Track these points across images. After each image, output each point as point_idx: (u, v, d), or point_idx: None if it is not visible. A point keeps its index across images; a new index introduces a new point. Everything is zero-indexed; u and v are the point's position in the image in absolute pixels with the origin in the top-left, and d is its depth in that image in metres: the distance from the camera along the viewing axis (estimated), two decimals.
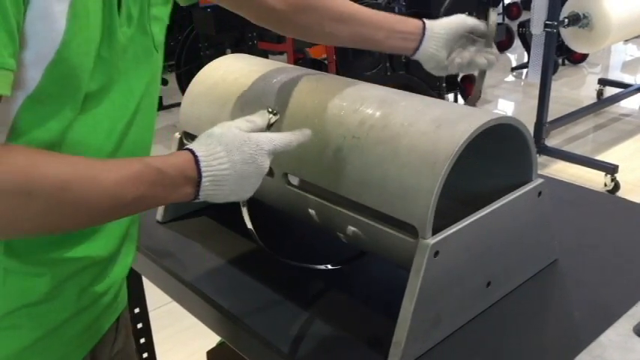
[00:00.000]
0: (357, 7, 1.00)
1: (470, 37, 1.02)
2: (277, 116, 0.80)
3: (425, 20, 1.01)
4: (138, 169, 0.67)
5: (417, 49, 1.00)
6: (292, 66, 1.09)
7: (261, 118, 0.79)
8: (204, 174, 0.71)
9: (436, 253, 0.77)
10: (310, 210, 0.94)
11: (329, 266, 0.98)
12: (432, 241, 0.76)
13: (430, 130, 0.80)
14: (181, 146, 1.14)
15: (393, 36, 0.99)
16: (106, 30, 0.69)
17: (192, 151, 0.72)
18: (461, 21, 1.00)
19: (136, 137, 0.78)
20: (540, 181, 0.92)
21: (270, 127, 0.79)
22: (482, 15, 1.03)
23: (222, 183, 0.72)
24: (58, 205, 0.61)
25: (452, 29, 0.99)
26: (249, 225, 0.87)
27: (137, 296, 1.28)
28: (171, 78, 4.43)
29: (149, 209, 0.70)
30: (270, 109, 0.80)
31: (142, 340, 1.33)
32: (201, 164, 0.71)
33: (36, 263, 0.72)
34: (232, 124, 0.76)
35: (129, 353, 0.96)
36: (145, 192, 0.67)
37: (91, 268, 0.78)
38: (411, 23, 1.00)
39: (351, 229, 0.88)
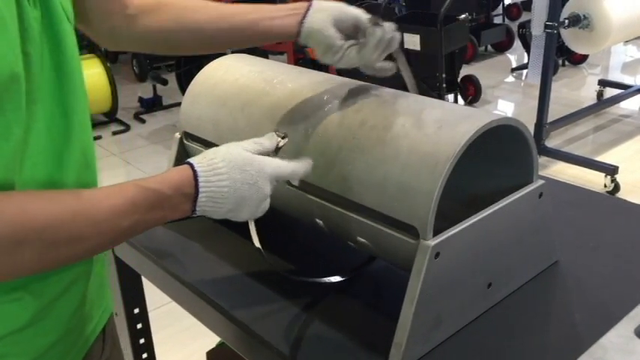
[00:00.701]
0: None
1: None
2: (286, 140, 0.79)
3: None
4: (132, 196, 0.65)
5: (301, 24, 0.87)
6: (292, 66, 1.08)
7: (270, 141, 0.78)
8: (201, 189, 0.70)
9: (437, 255, 0.77)
10: (310, 211, 0.94)
11: (332, 279, 0.96)
12: (433, 242, 0.76)
13: (431, 131, 0.80)
14: (181, 146, 1.14)
15: (274, 15, 0.88)
16: (21, 24, 0.61)
17: (192, 166, 0.70)
18: (345, 6, 0.90)
19: (83, 127, 0.73)
20: (541, 182, 0.91)
21: (278, 150, 0.78)
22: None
23: (219, 200, 0.71)
24: (51, 246, 0.60)
25: (339, 8, 0.88)
26: (257, 244, 0.86)
27: (137, 296, 1.28)
28: (171, 78, 4.44)
29: (149, 229, 0.69)
30: (278, 133, 0.79)
31: (142, 341, 1.33)
32: (200, 179, 0.69)
33: (13, 289, 0.67)
34: (239, 144, 0.74)
35: None
36: (142, 217, 0.66)
37: (80, 282, 0.76)
38: (296, 3, 0.89)
39: (352, 233, 0.88)
